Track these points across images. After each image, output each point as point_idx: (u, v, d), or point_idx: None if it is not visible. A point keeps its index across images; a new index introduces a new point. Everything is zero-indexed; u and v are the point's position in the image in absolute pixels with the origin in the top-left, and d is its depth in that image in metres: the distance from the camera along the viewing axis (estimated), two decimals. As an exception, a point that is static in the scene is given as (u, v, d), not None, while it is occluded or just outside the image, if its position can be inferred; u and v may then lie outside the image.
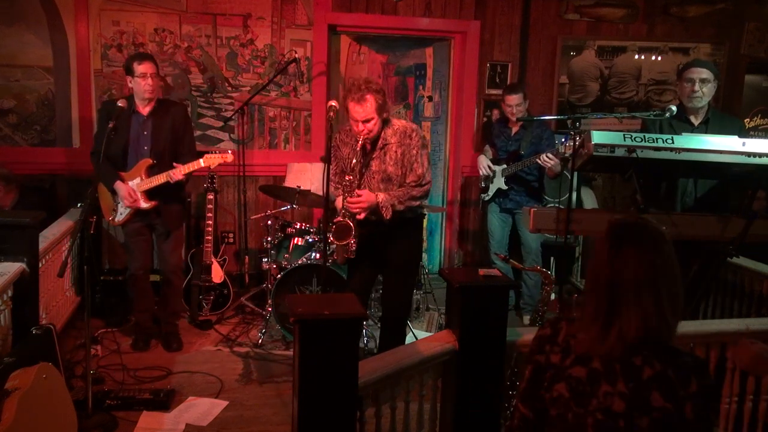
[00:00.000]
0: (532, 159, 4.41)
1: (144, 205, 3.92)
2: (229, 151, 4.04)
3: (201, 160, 3.90)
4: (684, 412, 1.42)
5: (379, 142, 3.25)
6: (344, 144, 3.35)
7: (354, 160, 3.22)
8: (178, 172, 3.83)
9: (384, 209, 3.15)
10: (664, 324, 1.47)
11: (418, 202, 3.27)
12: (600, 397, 1.47)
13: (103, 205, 4.02)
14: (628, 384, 1.45)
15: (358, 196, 3.16)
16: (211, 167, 4.01)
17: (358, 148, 3.20)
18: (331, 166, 3.30)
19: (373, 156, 3.25)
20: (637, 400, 1.44)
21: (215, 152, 3.99)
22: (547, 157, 4.24)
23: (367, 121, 3.13)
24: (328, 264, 3.79)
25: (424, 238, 5.08)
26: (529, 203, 4.58)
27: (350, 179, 3.19)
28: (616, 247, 1.50)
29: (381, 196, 3.17)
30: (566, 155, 4.07)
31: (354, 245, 3.25)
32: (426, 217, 4.97)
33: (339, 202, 3.29)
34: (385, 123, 3.25)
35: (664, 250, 1.50)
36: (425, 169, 3.25)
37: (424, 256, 5.31)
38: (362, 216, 3.21)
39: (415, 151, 3.23)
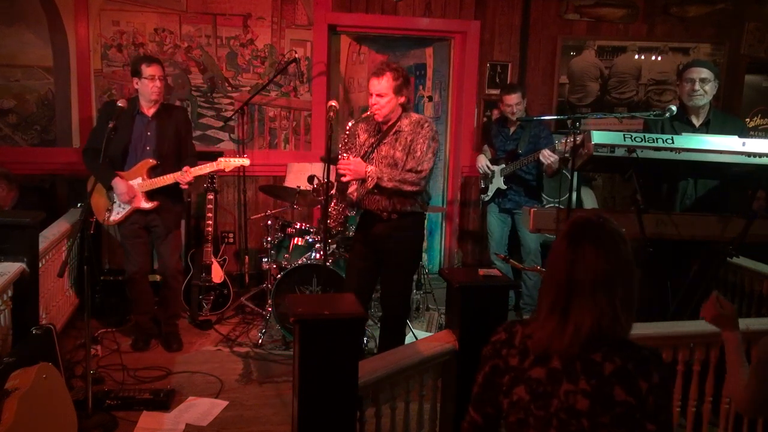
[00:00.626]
0: (530, 157, 4.42)
1: (145, 205, 3.92)
2: (246, 155, 4.08)
3: (215, 163, 3.94)
4: (647, 404, 1.42)
5: (394, 129, 3.30)
6: (363, 131, 3.43)
7: (369, 140, 3.34)
8: (190, 174, 3.85)
9: (369, 179, 3.19)
10: (617, 323, 1.47)
11: (409, 188, 3.25)
12: (561, 397, 1.47)
13: (95, 203, 3.99)
14: (590, 381, 1.45)
15: (350, 159, 3.25)
16: (226, 170, 4.03)
17: (363, 115, 3.31)
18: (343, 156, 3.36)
19: (385, 141, 3.30)
20: (600, 397, 1.44)
21: (223, 154, 4.01)
22: (546, 153, 4.25)
23: (381, 96, 3.21)
24: (328, 264, 3.79)
25: (425, 238, 5.07)
26: (528, 203, 4.58)
27: (349, 144, 3.32)
28: (574, 245, 1.51)
29: (371, 167, 3.22)
30: (566, 154, 4.07)
31: (335, 213, 3.34)
32: (426, 217, 4.99)
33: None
34: (405, 111, 3.32)
35: (622, 250, 1.50)
36: (426, 158, 3.26)
37: (424, 256, 5.31)
38: (347, 178, 3.28)
39: (422, 140, 3.26)
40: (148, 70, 3.81)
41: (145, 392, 3.48)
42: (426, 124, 3.29)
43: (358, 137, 3.43)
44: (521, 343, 1.56)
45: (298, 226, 4.49)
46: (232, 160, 4.00)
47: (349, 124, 3.34)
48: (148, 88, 3.83)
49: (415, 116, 3.33)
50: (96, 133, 3.91)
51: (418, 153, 3.25)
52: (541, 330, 1.51)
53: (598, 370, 1.45)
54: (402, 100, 3.26)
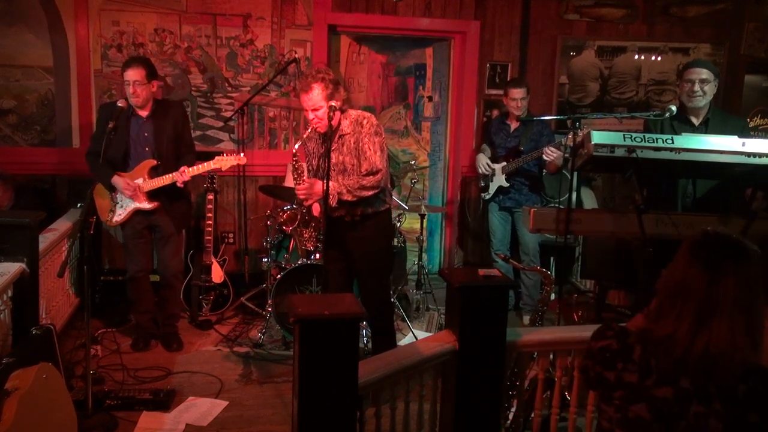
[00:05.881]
0: (533, 154, 4.42)
1: (147, 205, 3.92)
2: (242, 154, 4.06)
3: (212, 162, 3.92)
4: None
5: (337, 134, 3.27)
6: (310, 139, 3.41)
7: (318, 148, 3.35)
8: (186, 173, 3.83)
9: (331, 197, 3.16)
10: (752, 341, 1.44)
11: (369, 192, 3.24)
12: (690, 419, 1.43)
13: (99, 205, 4.00)
14: (726, 404, 1.42)
15: (306, 183, 3.25)
16: (223, 169, 4.01)
17: (305, 136, 3.35)
18: (301, 162, 3.38)
19: (333, 147, 3.27)
20: (734, 420, 1.41)
21: (223, 154, 3.98)
22: (549, 150, 4.25)
23: (316, 109, 3.17)
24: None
25: (424, 237, 5.07)
26: (529, 201, 4.59)
27: (301, 168, 3.31)
28: (716, 264, 1.47)
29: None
30: (566, 155, 4.07)
31: (308, 235, 3.31)
32: (426, 216, 4.99)
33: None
34: (343, 112, 3.28)
35: (759, 269, 1.48)
36: (377, 156, 3.24)
37: (425, 256, 5.31)
38: (309, 203, 3.32)
39: (366, 139, 3.24)
40: (125, 75, 3.78)
41: (145, 392, 3.48)
42: (365, 121, 3.26)
43: (306, 146, 3.44)
44: (642, 359, 1.50)
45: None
46: (228, 158, 3.97)
47: (295, 147, 3.28)
48: (127, 94, 3.80)
49: (353, 114, 3.30)
50: (96, 136, 3.91)
51: (368, 153, 3.23)
52: (671, 337, 1.46)
53: (732, 393, 1.42)
54: (338, 104, 3.20)
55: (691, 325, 1.45)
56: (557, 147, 4.25)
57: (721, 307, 1.44)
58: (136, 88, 3.76)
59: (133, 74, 3.75)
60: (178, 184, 3.87)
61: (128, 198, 3.90)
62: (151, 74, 3.84)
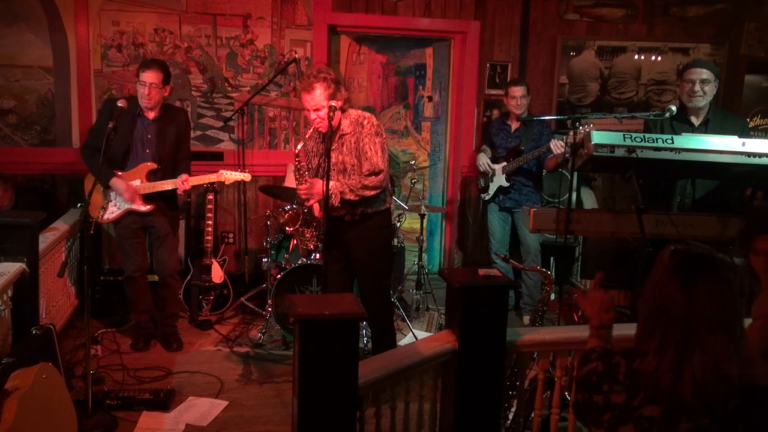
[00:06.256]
0: (534, 153, 4.43)
1: (142, 207, 3.92)
2: (246, 171, 4.14)
3: (215, 175, 3.98)
4: None
5: (338, 133, 3.28)
6: (311, 138, 3.42)
7: (318, 147, 3.36)
8: (188, 183, 3.88)
9: (333, 196, 3.16)
10: (735, 358, 1.42)
11: (371, 192, 3.25)
12: None
13: (92, 200, 3.98)
14: (715, 418, 1.40)
15: (308, 183, 3.25)
16: (226, 183, 4.06)
17: (307, 136, 3.37)
18: (303, 163, 3.39)
19: (333, 147, 3.27)
20: None
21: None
22: (559, 143, 4.24)
23: (318, 109, 3.18)
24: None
25: (424, 237, 5.07)
26: (529, 201, 4.59)
27: (303, 168, 3.31)
28: (690, 283, 1.43)
29: (331, 183, 3.17)
30: (567, 155, 4.07)
31: (310, 235, 3.29)
32: (426, 216, 4.99)
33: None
34: (344, 112, 3.29)
35: (735, 284, 1.45)
36: (378, 156, 3.24)
37: (424, 256, 5.31)
38: (311, 203, 3.33)
39: (367, 139, 3.24)
40: (141, 76, 3.79)
41: (145, 392, 3.49)
42: (365, 121, 3.27)
43: (307, 145, 3.44)
44: (627, 378, 1.47)
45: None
46: (232, 173, 4.03)
47: (297, 148, 3.32)
48: (140, 94, 3.82)
49: (353, 114, 3.31)
50: (95, 131, 3.90)
51: (369, 153, 3.24)
52: (657, 370, 1.44)
53: (722, 407, 1.40)
54: (339, 104, 3.21)
55: (675, 356, 1.43)
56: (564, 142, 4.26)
57: (702, 328, 1.41)
58: (150, 90, 3.79)
59: (150, 76, 3.77)
60: (179, 191, 3.92)
61: (125, 200, 3.92)
62: (167, 79, 3.89)
